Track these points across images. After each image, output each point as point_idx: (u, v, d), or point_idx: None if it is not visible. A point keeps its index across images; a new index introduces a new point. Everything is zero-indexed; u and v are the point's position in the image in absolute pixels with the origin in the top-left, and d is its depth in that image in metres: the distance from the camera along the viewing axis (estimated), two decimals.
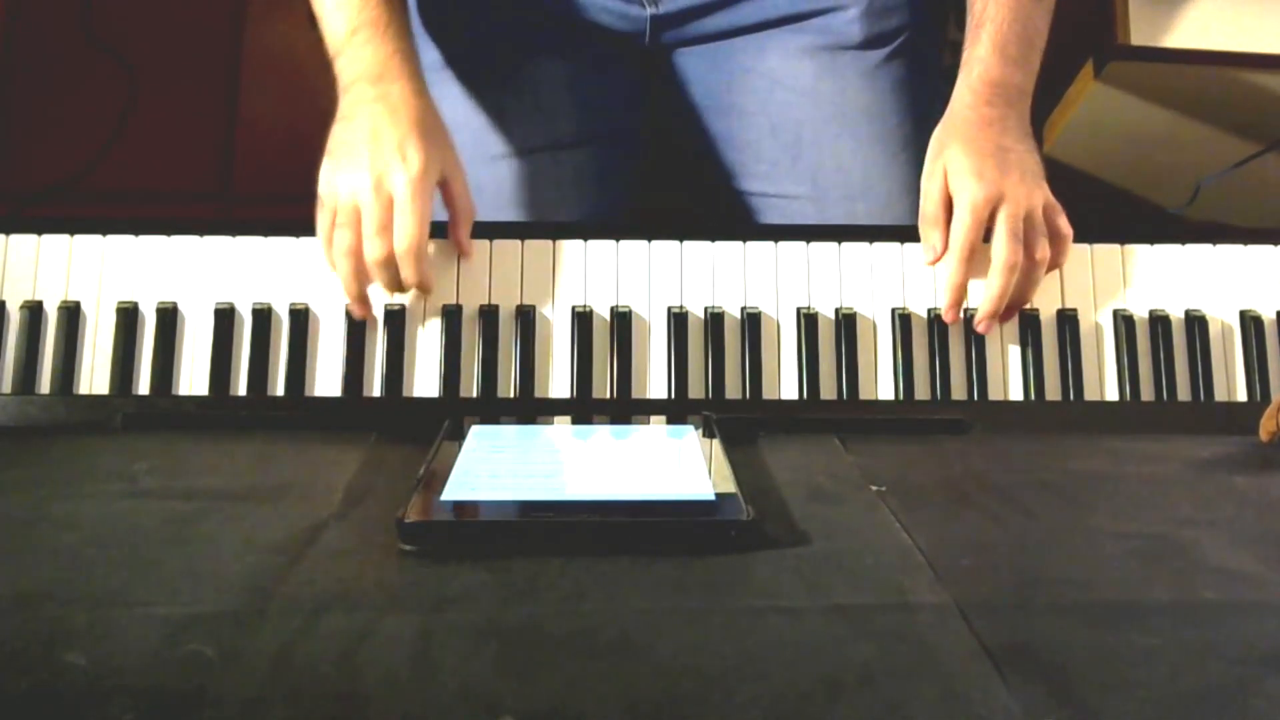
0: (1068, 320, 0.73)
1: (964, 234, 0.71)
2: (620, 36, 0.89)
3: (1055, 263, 0.73)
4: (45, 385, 0.70)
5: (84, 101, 1.67)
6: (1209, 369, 0.73)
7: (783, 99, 0.89)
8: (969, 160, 0.72)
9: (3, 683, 0.30)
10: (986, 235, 0.72)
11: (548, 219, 0.88)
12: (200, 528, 0.44)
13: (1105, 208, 1.31)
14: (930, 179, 0.75)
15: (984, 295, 0.72)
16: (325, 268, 0.72)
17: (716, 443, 0.55)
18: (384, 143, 0.70)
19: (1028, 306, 0.73)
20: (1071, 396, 0.72)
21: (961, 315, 0.73)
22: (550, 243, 0.74)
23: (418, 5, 0.89)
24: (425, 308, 0.73)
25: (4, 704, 0.29)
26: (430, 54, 0.89)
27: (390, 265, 0.69)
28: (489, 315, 0.72)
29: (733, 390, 0.71)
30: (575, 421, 0.64)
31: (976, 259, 0.72)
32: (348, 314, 0.72)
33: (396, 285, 0.71)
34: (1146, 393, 0.73)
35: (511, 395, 0.71)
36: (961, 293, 0.72)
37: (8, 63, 1.71)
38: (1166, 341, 0.73)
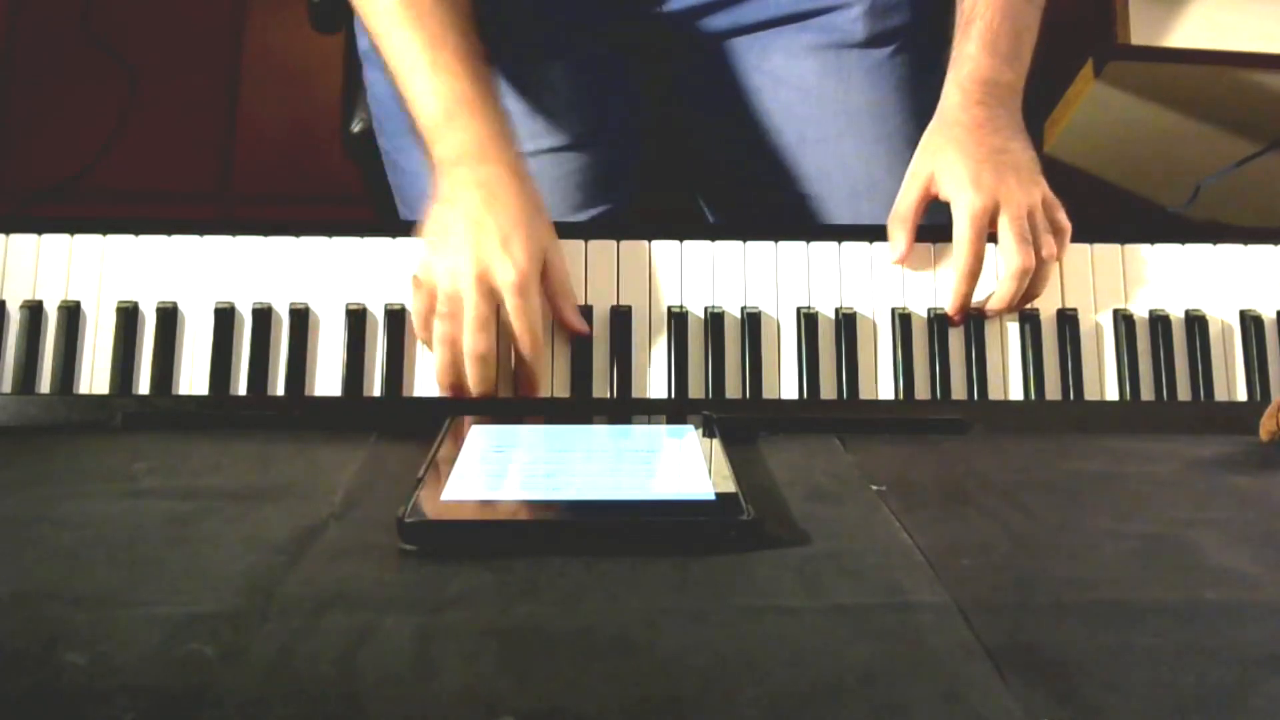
0: (1068, 320, 0.73)
1: (967, 248, 0.71)
2: (626, 37, 0.89)
3: (1056, 257, 0.73)
4: (45, 385, 0.70)
5: (84, 101, 1.67)
6: (1209, 369, 0.73)
7: (786, 98, 0.89)
8: (964, 167, 0.72)
9: (3, 683, 0.30)
10: (990, 238, 0.72)
11: (553, 220, 0.88)
12: (200, 528, 0.44)
13: (1105, 208, 1.31)
14: (913, 178, 0.75)
15: (995, 297, 0.72)
16: (325, 268, 0.72)
17: (716, 443, 0.55)
18: (488, 235, 0.68)
19: (1028, 305, 0.73)
20: (1071, 396, 0.72)
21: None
22: None
23: None
24: None
25: (4, 704, 0.29)
26: None
27: (486, 361, 0.67)
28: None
29: (733, 390, 0.71)
30: (575, 421, 0.64)
31: (981, 271, 0.72)
32: (348, 314, 0.71)
33: (489, 384, 0.67)
34: (1146, 393, 0.73)
35: (511, 395, 0.71)
36: (968, 301, 0.72)
37: (8, 63, 1.71)
38: (1166, 341, 0.73)
